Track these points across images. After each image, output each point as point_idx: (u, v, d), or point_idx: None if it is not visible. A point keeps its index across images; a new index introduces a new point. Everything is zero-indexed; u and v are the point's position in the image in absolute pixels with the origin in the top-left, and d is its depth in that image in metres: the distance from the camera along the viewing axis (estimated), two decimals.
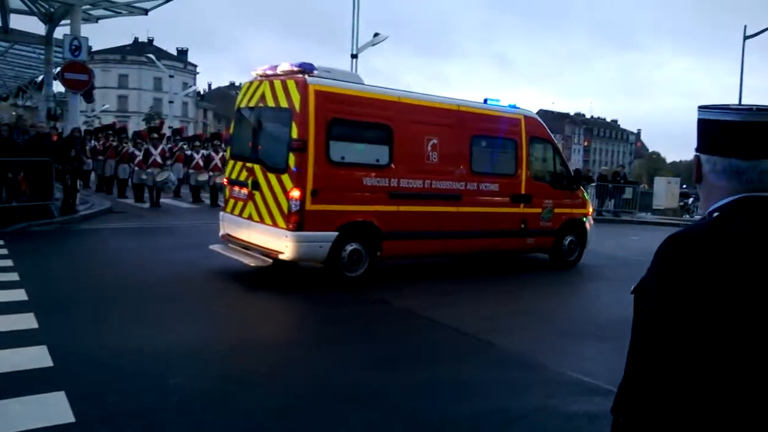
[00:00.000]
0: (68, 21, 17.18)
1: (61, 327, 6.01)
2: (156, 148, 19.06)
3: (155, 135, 20.42)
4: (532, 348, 6.20)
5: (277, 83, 8.48)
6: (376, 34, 25.28)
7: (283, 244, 8.04)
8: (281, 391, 4.76)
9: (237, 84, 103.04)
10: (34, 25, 20.06)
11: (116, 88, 78.19)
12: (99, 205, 15.98)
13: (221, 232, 9.52)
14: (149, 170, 18.33)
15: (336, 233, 8.26)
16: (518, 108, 10.65)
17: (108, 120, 43.88)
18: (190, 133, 40.95)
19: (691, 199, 26.76)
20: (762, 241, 1.38)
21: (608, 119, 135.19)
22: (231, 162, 9.44)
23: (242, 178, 8.90)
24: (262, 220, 8.46)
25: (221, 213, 9.65)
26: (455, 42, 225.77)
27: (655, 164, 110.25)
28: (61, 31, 18.19)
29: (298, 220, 7.96)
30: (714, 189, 1.51)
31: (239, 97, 9.57)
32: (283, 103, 8.31)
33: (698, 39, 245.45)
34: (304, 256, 8.25)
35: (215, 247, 9.40)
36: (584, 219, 11.29)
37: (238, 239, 9.04)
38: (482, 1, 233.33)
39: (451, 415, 4.53)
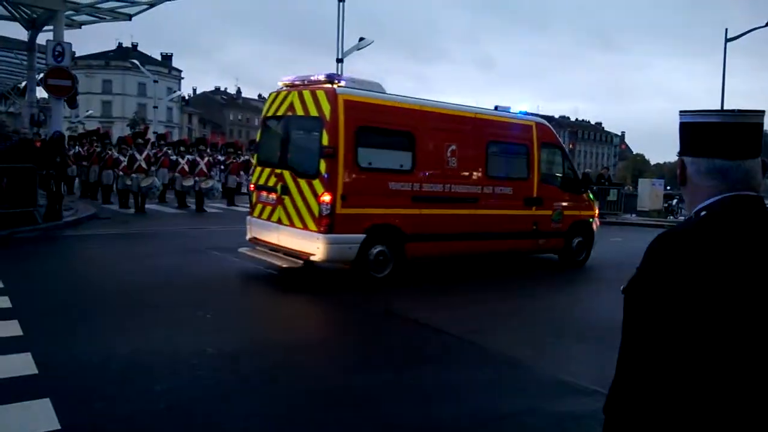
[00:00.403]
0: (51, 27, 17.09)
1: (45, 334, 5.97)
2: (141, 153, 18.95)
3: (140, 140, 20.32)
4: (517, 349, 6.23)
5: (306, 93, 8.84)
6: (361, 39, 25.33)
7: (315, 246, 8.39)
8: (269, 396, 4.76)
9: (222, 89, 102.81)
10: (17, 31, 19.91)
11: (100, 94, 77.62)
12: (84, 212, 15.86)
13: (248, 236, 9.83)
14: (134, 176, 18.23)
15: (364, 235, 8.62)
16: (529, 115, 11.24)
17: (92, 126, 43.55)
18: (176, 138, 40.78)
19: (675, 201, 26.99)
20: (749, 238, 1.42)
21: (593, 122, 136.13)
22: (258, 169, 9.77)
23: (270, 183, 9.26)
24: (292, 224, 8.81)
25: (248, 217, 9.96)
26: (439, 45, 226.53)
27: (639, 166, 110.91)
28: (44, 37, 18.09)
29: (329, 223, 8.33)
30: (699, 190, 1.54)
31: (266, 107, 9.91)
32: (313, 112, 8.68)
33: (682, 41, 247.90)
34: (334, 258, 8.57)
35: (244, 250, 9.71)
36: (591, 220, 11.76)
37: (266, 242, 9.38)
38: (465, 4, 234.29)
39: (436, 417, 4.54)
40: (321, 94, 8.61)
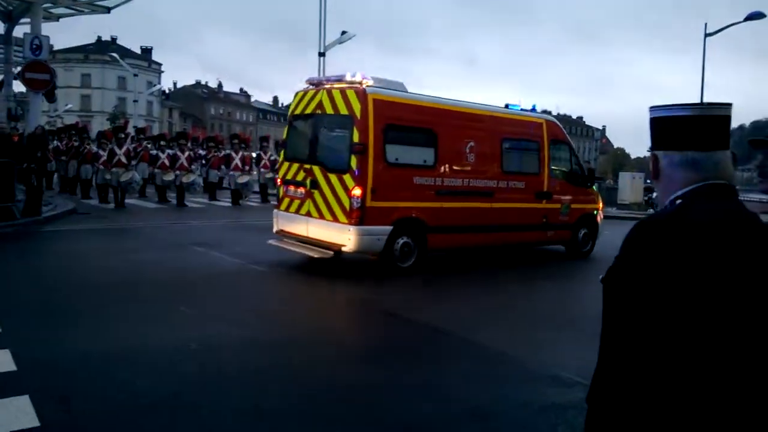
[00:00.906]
0: (28, 19, 16.79)
1: (24, 330, 5.88)
2: (120, 147, 18.74)
3: (120, 135, 20.10)
4: (508, 343, 6.24)
5: (336, 92, 9.31)
6: (343, 32, 25.26)
7: (346, 237, 8.86)
8: (255, 392, 4.73)
9: (203, 83, 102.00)
10: None
11: (79, 88, 76.66)
12: (62, 207, 15.66)
13: (275, 228, 10.24)
14: (114, 170, 18.03)
15: (391, 227, 9.12)
16: (538, 112, 11.95)
17: (71, 120, 42.98)
18: (156, 132, 40.39)
19: (655, 194, 27.21)
20: (724, 224, 1.44)
21: (574, 116, 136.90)
22: (286, 164, 10.18)
23: (299, 178, 9.71)
24: (321, 216, 9.26)
25: (275, 210, 10.39)
26: (422, 40, 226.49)
27: (620, 160, 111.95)
28: (21, 30, 17.76)
29: (360, 216, 8.81)
30: (672, 182, 1.58)
31: (292, 106, 10.35)
32: (343, 111, 9.14)
33: (662, 36, 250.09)
34: (364, 249, 9.05)
35: (273, 242, 10.17)
36: (595, 213, 12.38)
37: (294, 234, 9.82)
38: None
39: (428, 412, 4.54)
40: (351, 94, 9.06)
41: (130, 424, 4.11)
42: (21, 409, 4.10)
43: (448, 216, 9.78)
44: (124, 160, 18.36)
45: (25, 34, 15.74)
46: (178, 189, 19.16)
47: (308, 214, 9.51)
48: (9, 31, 18.85)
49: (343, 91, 9.21)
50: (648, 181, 31.16)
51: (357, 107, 8.93)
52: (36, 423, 3.94)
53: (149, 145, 21.56)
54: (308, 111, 9.87)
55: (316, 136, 9.79)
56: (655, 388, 1.35)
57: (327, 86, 9.66)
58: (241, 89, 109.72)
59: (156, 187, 20.02)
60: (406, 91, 9.94)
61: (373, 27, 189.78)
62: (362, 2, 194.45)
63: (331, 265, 10.18)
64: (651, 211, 26.07)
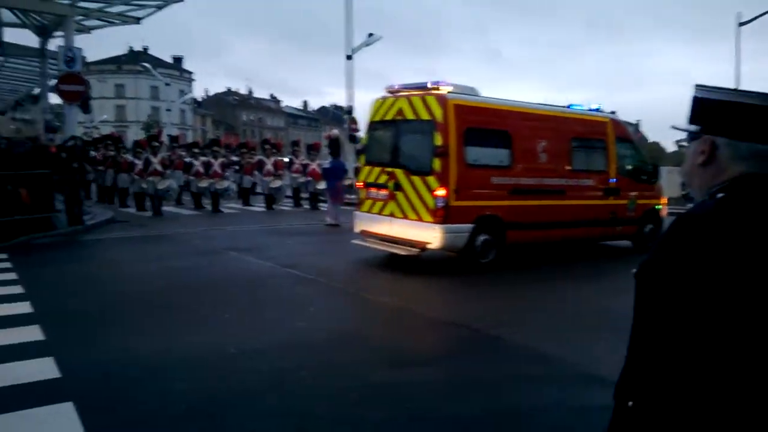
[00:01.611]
0: (62, 33, 17.16)
1: (67, 338, 5.97)
2: (155, 156, 19.03)
3: (155, 143, 20.42)
4: (543, 342, 6.14)
5: (416, 99, 9.84)
6: (370, 35, 25.28)
7: (431, 235, 9.35)
8: (292, 395, 4.70)
9: (233, 90, 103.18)
10: (28, 38, 20.05)
11: (114, 98, 78.22)
12: (101, 216, 15.95)
13: (358, 229, 10.82)
14: (150, 179, 18.30)
15: (473, 225, 9.58)
16: (603, 111, 12.32)
17: (107, 130, 43.86)
18: (190, 140, 40.98)
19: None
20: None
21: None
22: (367, 168, 10.77)
23: (381, 181, 10.25)
24: (405, 216, 9.78)
25: (356, 212, 11.00)
26: (445, 39, 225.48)
27: (655, 154, 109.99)
28: (55, 43, 18.20)
29: (444, 215, 9.27)
30: (720, 172, 1.48)
31: (372, 112, 10.83)
32: (424, 116, 9.65)
33: (693, 26, 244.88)
34: (448, 246, 9.53)
35: (357, 242, 10.82)
36: (659, 207, 12.65)
37: (377, 234, 10.38)
38: None
39: (463, 411, 4.47)
40: (432, 100, 9.56)
41: (169, 430, 4.11)
42: (65, 416, 4.14)
43: (523, 213, 10.18)
44: (159, 168, 18.62)
45: (59, 46, 16.08)
46: (212, 195, 19.37)
47: (391, 214, 10.02)
48: (43, 44, 19.33)
49: (423, 98, 9.72)
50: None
51: (438, 112, 9.43)
52: (80, 430, 3.97)
53: (183, 153, 21.83)
54: (388, 117, 10.39)
55: (397, 140, 10.29)
56: (688, 387, 1.30)
57: (406, 94, 10.19)
58: (271, 95, 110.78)
59: (191, 194, 20.26)
60: (479, 96, 10.38)
61: (397, 27, 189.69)
62: (386, 4, 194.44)
63: (365, 267, 10.17)
64: (689, 205, 25.51)
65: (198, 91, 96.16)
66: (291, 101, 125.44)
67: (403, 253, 9.78)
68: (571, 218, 10.90)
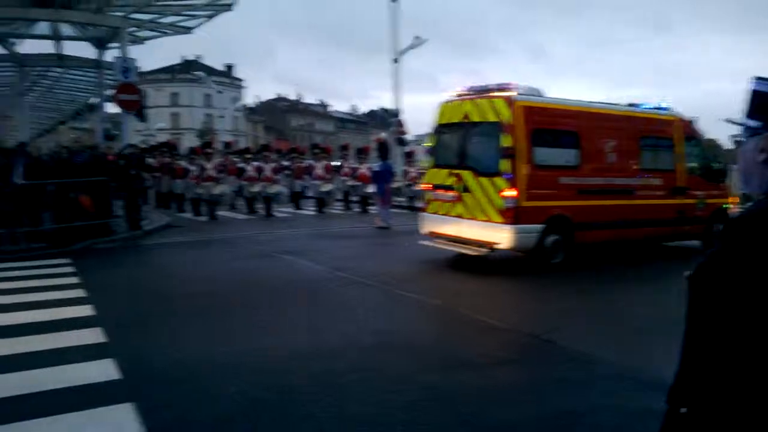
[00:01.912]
0: (117, 44, 17.76)
1: (129, 340, 6.14)
2: (209, 162, 19.46)
3: (209, 150, 20.86)
4: (597, 346, 6.00)
5: (482, 102, 9.99)
6: (416, 38, 25.21)
7: (501, 236, 9.47)
8: (347, 397, 4.72)
9: (283, 96, 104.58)
10: (86, 50, 20.83)
11: (169, 107, 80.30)
12: (159, 221, 16.38)
13: (425, 230, 10.99)
14: (204, 184, 18.73)
15: (543, 225, 9.66)
16: (671, 110, 12.08)
17: (164, 138, 45.08)
18: (242, 146, 41.74)
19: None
20: None
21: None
22: (433, 170, 10.93)
23: (449, 183, 10.36)
24: (473, 217, 9.88)
25: (423, 214, 11.16)
26: (488, 39, 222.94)
27: (713, 152, 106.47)
28: (111, 54, 18.84)
29: (514, 215, 9.36)
30: None
31: (438, 116, 10.97)
32: (491, 118, 9.76)
33: (740, 17, 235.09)
34: (518, 246, 9.62)
35: (425, 242, 10.98)
36: (727, 207, 12.41)
37: (444, 235, 10.53)
38: None
39: (514, 416, 4.41)
40: (499, 102, 9.68)
41: (227, 430, 4.17)
42: (126, 417, 4.26)
43: (591, 213, 10.18)
44: (213, 174, 19.03)
45: (115, 57, 16.63)
46: (265, 200, 19.66)
47: (460, 215, 10.13)
48: (100, 56, 20.04)
49: (490, 100, 9.83)
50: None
51: (505, 114, 9.52)
52: (139, 429, 4.07)
53: (236, 159, 22.24)
54: (455, 120, 10.54)
55: (464, 143, 10.39)
56: (744, 394, 1.25)
57: (472, 96, 10.31)
58: (319, 100, 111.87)
59: (245, 198, 20.62)
60: (545, 96, 10.43)
61: (442, 29, 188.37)
62: (431, 6, 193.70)
63: (416, 269, 10.15)
64: (749, 204, 24.59)
65: (249, 98, 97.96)
66: (339, 106, 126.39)
67: (471, 253, 9.90)
68: (640, 218, 10.86)
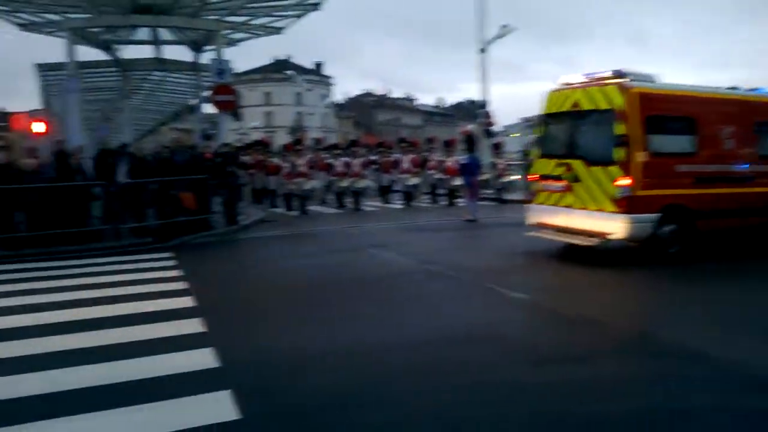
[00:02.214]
0: (212, 46, 18.52)
1: (228, 330, 6.40)
2: (300, 158, 19.96)
3: (299, 147, 21.37)
4: (698, 341, 5.73)
5: (594, 90, 9.84)
6: (503, 26, 24.78)
7: (615, 225, 9.30)
8: (430, 390, 4.74)
9: (370, 91, 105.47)
10: (183, 54, 21.83)
11: (262, 106, 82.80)
12: (253, 216, 16.98)
13: (532, 221, 10.92)
14: (296, 180, 19.25)
15: (659, 215, 9.42)
16: None
17: (257, 136, 46.57)
18: (332, 142, 42.49)
19: None
20: None
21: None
22: (541, 161, 10.82)
23: (557, 173, 10.24)
24: (585, 207, 9.76)
25: (530, 205, 11.04)
26: (582, 23, 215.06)
27: None
28: (207, 57, 19.69)
29: (629, 205, 9.19)
30: None
31: (546, 105, 10.88)
32: (604, 106, 9.61)
33: None
34: (633, 236, 9.42)
35: (533, 233, 10.85)
36: None
37: (553, 225, 10.46)
38: None
39: (612, 412, 4.28)
40: (612, 90, 9.51)
41: (325, 420, 4.29)
42: (223, 403, 4.46)
43: (709, 201, 9.86)
44: (304, 170, 19.53)
45: (211, 59, 17.33)
46: (353, 194, 19.96)
47: (569, 205, 10.02)
48: (196, 58, 20.97)
49: (602, 88, 9.68)
50: None
51: (619, 102, 9.35)
52: (237, 416, 4.26)
53: (326, 155, 22.68)
54: (564, 109, 10.38)
55: (574, 132, 10.24)
56: None
57: (582, 84, 10.18)
58: (405, 94, 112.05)
59: (335, 193, 21.01)
60: (659, 82, 10.21)
61: (529, 16, 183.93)
62: None
63: (505, 263, 10.03)
64: None
65: (338, 95, 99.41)
66: (426, 99, 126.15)
67: (582, 243, 9.76)
68: (761, 205, 10.46)
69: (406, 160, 21.33)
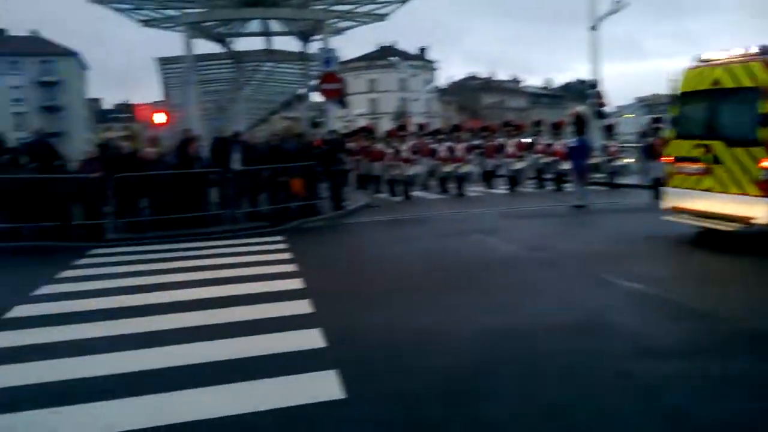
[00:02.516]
0: (320, 36, 18.98)
1: (335, 311, 6.59)
2: (404, 144, 20.07)
3: (403, 132, 21.50)
4: None
5: (736, 66, 9.32)
6: (617, 1, 23.61)
7: (758, 210, 8.80)
8: (537, 379, 4.69)
9: (475, 74, 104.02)
10: (291, 44, 22.52)
11: (367, 93, 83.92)
12: (359, 201, 17.30)
13: (667, 205, 10.55)
14: (400, 165, 19.40)
15: None
16: None
17: (363, 123, 47.26)
18: (435, 127, 42.37)
19: None
20: None
21: None
22: (677, 142, 10.41)
23: (695, 154, 9.82)
24: (726, 191, 9.30)
25: (665, 189, 10.70)
26: None
27: None
28: (314, 47, 20.20)
29: None
30: None
31: (683, 84, 10.43)
32: (747, 83, 9.09)
33: None
34: None
35: (669, 217, 10.43)
36: None
37: (692, 210, 10.00)
38: None
39: (729, 411, 4.06)
40: (756, 66, 8.97)
41: (425, 403, 4.35)
42: (329, 382, 4.62)
43: None
44: (408, 155, 19.63)
45: (318, 49, 17.75)
46: (457, 179, 19.85)
47: (709, 189, 9.58)
48: (305, 48, 21.57)
49: (745, 64, 9.16)
50: None
51: (764, 78, 8.81)
52: (342, 395, 4.40)
53: (429, 140, 22.67)
54: (702, 87, 9.94)
55: (714, 112, 9.78)
56: None
57: (723, 61, 9.65)
58: (511, 76, 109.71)
59: (438, 179, 20.98)
60: None
61: None
62: None
63: (616, 250, 9.68)
64: None
65: (441, 79, 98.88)
66: (533, 80, 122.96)
67: (722, 228, 9.26)
68: None
69: (511, 144, 20.93)
